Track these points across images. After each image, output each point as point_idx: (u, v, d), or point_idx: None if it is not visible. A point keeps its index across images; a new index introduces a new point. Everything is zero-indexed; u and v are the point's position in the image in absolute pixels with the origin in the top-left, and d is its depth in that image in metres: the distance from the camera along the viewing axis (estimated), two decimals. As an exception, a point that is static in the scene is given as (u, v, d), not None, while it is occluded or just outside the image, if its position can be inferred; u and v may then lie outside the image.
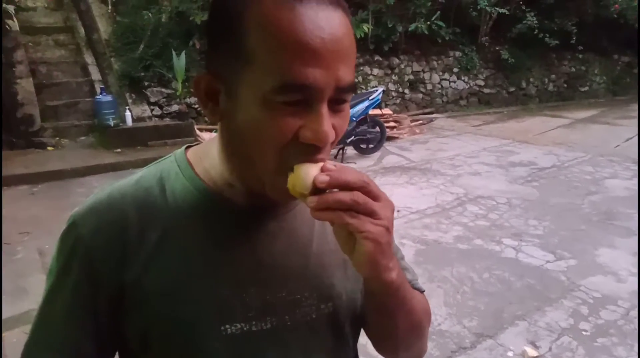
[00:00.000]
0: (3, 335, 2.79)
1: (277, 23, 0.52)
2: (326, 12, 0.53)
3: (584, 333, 2.92)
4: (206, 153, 0.69)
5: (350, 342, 0.77)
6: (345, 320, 0.73)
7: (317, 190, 0.53)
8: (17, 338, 2.71)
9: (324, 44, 0.52)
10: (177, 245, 0.64)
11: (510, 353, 2.73)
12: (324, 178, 0.53)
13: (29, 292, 3.21)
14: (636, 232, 4.36)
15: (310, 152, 0.56)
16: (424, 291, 0.79)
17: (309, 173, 0.54)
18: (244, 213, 0.67)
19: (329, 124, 0.55)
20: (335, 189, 0.54)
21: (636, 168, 6.57)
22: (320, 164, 0.55)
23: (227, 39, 0.56)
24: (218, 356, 0.65)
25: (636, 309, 3.14)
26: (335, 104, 0.57)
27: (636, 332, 2.89)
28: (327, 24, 0.53)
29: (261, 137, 0.55)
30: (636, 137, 7.93)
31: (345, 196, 0.53)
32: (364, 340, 0.81)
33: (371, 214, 0.54)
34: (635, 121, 8.99)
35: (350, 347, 0.77)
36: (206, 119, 8.50)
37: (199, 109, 8.56)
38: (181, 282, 0.64)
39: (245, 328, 0.66)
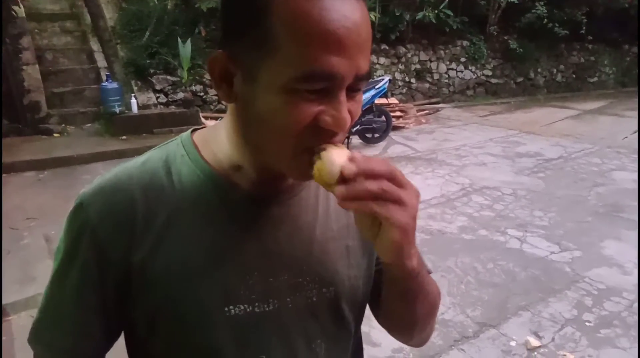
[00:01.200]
0: (10, 318, 2.83)
1: (306, 12, 0.52)
2: (350, 2, 0.54)
3: (587, 324, 2.92)
4: (213, 136, 0.69)
5: (351, 328, 0.78)
6: (346, 306, 0.74)
7: (343, 179, 0.54)
8: (24, 322, 2.75)
9: (349, 33, 0.53)
10: (182, 229, 0.65)
11: (513, 343, 2.74)
12: (352, 166, 0.53)
13: (36, 277, 3.24)
14: (642, 224, 4.34)
15: (328, 135, 0.57)
16: (431, 272, 0.80)
17: (336, 162, 0.54)
18: (249, 198, 0.67)
19: (347, 111, 0.56)
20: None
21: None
22: (346, 152, 0.56)
23: (248, 24, 0.55)
24: (221, 337, 0.66)
25: (641, 301, 3.14)
26: (352, 91, 0.58)
27: (640, 323, 2.89)
28: (352, 14, 0.54)
29: (281, 122, 0.56)
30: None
31: (372, 185, 0.53)
32: (366, 328, 0.81)
33: (398, 201, 0.54)
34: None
35: (351, 333, 0.78)
36: (211, 106, 8.49)
37: (204, 97, 8.55)
38: (186, 266, 0.64)
39: (248, 310, 0.66)
